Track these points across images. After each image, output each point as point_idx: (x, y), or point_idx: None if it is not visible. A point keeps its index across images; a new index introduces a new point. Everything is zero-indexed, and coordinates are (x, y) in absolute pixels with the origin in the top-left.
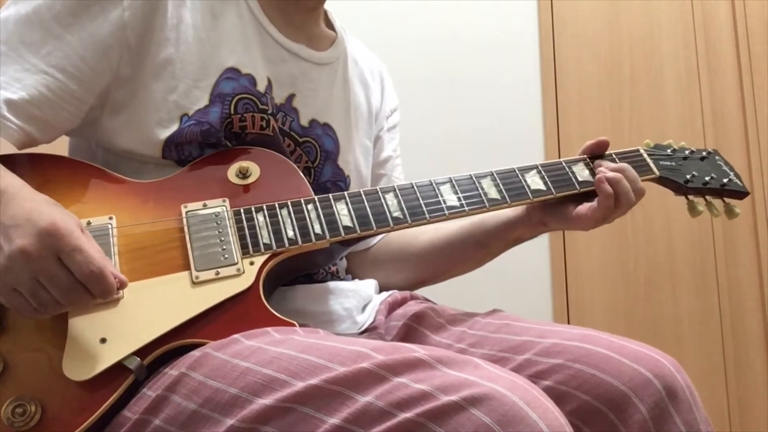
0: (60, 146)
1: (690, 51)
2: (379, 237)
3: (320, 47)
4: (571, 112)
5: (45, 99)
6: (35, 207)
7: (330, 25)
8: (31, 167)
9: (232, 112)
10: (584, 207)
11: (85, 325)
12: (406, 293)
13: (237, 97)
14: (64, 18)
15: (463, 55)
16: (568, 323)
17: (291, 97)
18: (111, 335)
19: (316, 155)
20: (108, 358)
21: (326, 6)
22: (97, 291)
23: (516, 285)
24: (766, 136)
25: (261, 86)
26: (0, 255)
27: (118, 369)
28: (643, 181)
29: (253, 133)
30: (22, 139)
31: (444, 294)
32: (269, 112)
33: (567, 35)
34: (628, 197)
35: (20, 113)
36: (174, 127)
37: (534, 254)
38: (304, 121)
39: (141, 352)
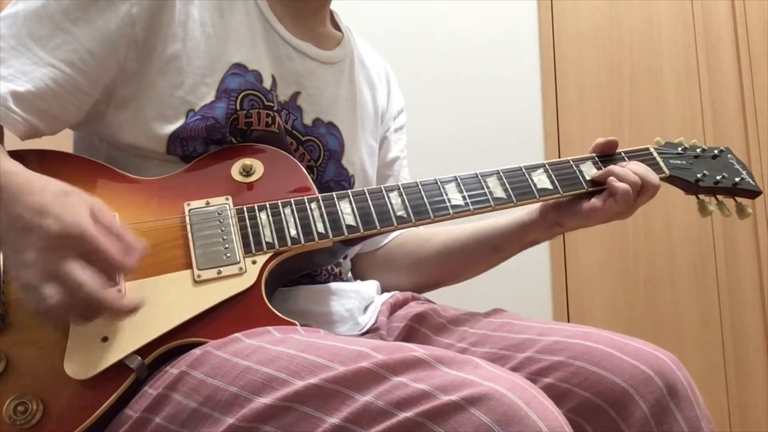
0: (65, 142)
1: (690, 51)
2: (390, 237)
3: (327, 46)
4: (571, 112)
5: (51, 92)
6: (42, 203)
7: (336, 25)
8: (36, 164)
9: (238, 108)
10: (595, 198)
11: (86, 324)
12: (408, 294)
13: (243, 93)
14: (72, 12)
15: (463, 54)
16: (568, 323)
17: (296, 95)
18: (112, 334)
19: (319, 154)
20: (109, 356)
21: (332, 7)
22: (125, 268)
23: (516, 285)
24: (766, 136)
25: (267, 83)
26: (17, 258)
27: (120, 368)
28: None
29: (259, 129)
30: (26, 131)
31: (444, 294)
32: (275, 108)
33: (567, 35)
34: (625, 175)
35: (26, 105)
36: (179, 122)
37: (534, 254)
38: (308, 120)
39: (142, 351)
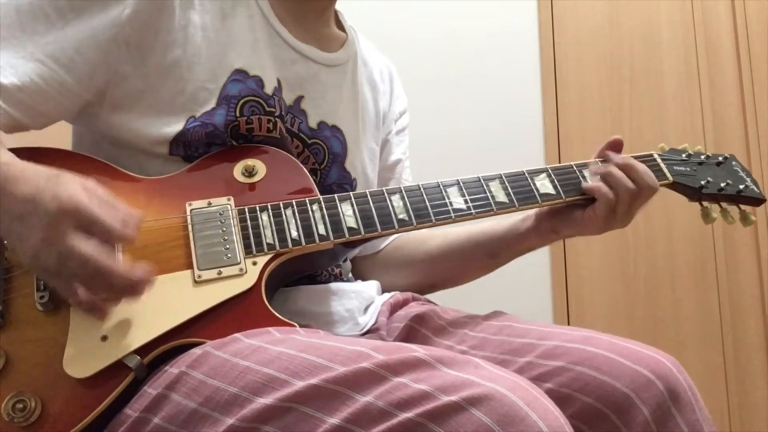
0: (65, 138)
1: (690, 51)
2: (388, 240)
3: (330, 48)
4: (571, 112)
5: (35, 87)
6: (37, 187)
7: (341, 26)
8: (37, 162)
9: (238, 115)
10: (590, 208)
11: (86, 323)
12: (408, 294)
13: (243, 100)
14: (64, 10)
15: (463, 55)
16: (569, 323)
17: (300, 98)
18: (112, 333)
19: (323, 157)
20: (108, 356)
21: (337, 7)
22: (125, 237)
23: (516, 285)
24: (766, 136)
25: (269, 88)
26: (25, 246)
27: (119, 367)
28: None
29: (260, 135)
30: (8, 124)
31: (444, 294)
32: (276, 114)
33: (567, 35)
34: (621, 183)
35: (8, 98)
36: (179, 127)
37: (534, 254)
38: (313, 123)
39: (141, 351)
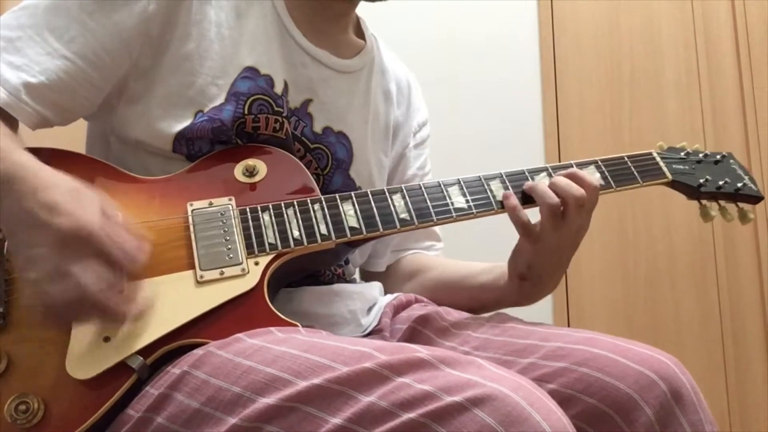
0: (75, 135)
1: (690, 51)
2: (409, 252)
3: (345, 55)
4: (571, 112)
5: (63, 84)
6: (55, 201)
7: (361, 33)
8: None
9: (246, 112)
10: (535, 223)
11: (89, 324)
12: (411, 296)
13: (252, 98)
14: (89, 6)
15: (463, 55)
16: (569, 324)
17: (307, 102)
18: (114, 334)
19: (327, 163)
20: (111, 357)
21: (359, 13)
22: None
23: None
24: (766, 136)
25: (278, 88)
26: (25, 253)
27: (121, 368)
28: (656, 185)
29: (266, 134)
30: (37, 122)
31: None
32: (284, 114)
33: (567, 35)
34: (567, 190)
35: (37, 96)
36: (187, 122)
37: None
38: (318, 128)
39: (144, 351)
